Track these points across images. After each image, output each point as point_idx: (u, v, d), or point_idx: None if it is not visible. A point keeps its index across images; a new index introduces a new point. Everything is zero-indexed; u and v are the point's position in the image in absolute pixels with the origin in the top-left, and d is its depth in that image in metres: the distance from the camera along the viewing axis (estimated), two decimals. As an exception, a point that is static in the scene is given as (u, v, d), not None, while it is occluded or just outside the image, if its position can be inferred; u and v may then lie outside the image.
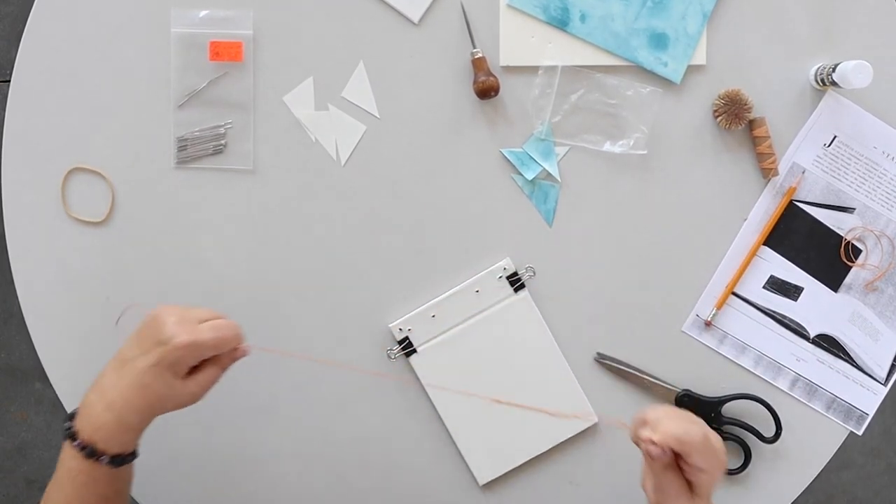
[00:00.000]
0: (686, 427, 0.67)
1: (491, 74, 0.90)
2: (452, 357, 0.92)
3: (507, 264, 0.92)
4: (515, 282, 0.92)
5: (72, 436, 0.71)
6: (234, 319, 0.93)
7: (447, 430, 0.94)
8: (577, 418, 0.92)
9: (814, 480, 0.95)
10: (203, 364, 0.75)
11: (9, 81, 0.92)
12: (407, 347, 0.92)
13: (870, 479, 1.76)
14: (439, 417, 0.93)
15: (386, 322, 0.93)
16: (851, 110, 0.93)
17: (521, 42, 0.92)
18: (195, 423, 0.94)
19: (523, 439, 0.93)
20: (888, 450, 1.76)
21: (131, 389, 0.71)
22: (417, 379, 0.93)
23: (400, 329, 0.93)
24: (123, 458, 0.73)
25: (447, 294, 0.92)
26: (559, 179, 0.93)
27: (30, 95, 0.92)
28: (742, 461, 0.94)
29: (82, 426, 0.72)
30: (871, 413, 0.96)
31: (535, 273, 0.93)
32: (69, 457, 0.71)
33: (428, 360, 0.93)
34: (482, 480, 0.94)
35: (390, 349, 0.93)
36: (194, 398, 0.75)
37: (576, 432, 0.93)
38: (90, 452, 0.71)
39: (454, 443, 0.94)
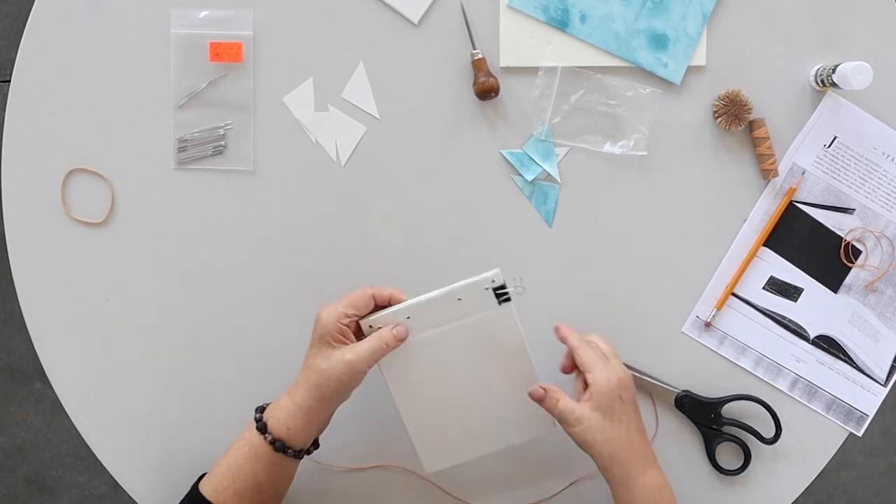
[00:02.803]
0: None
1: (491, 75, 0.90)
2: (421, 362, 0.85)
3: (495, 276, 0.83)
4: (502, 294, 0.84)
5: (262, 428, 0.80)
6: (232, 320, 0.94)
7: (409, 435, 0.87)
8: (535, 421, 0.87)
9: (814, 480, 0.95)
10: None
11: (9, 81, 0.92)
12: None
13: (870, 479, 1.76)
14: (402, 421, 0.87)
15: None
16: (851, 111, 0.93)
17: (521, 43, 0.92)
18: (195, 425, 0.94)
19: (478, 439, 0.88)
20: (888, 450, 1.76)
21: (307, 379, 0.80)
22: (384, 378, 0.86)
23: (370, 326, 0.84)
24: (303, 452, 0.82)
25: (427, 297, 0.83)
26: (559, 180, 0.93)
27: (30, 95, 0.92)
28: (742, 462, 0.94)
29: (272, 421, 0.80)
30: (871, 414, 0.96)
31: (525, 289, 0.84)
32: (257, 443, 0.80)
33: (396, 361, 0.84)
34: (430, 469, 0.88)
35: None
36: (350, 366, 0.79)
37: (531, 437, 0.88)
38: (280, 447, 0.80)
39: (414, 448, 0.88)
